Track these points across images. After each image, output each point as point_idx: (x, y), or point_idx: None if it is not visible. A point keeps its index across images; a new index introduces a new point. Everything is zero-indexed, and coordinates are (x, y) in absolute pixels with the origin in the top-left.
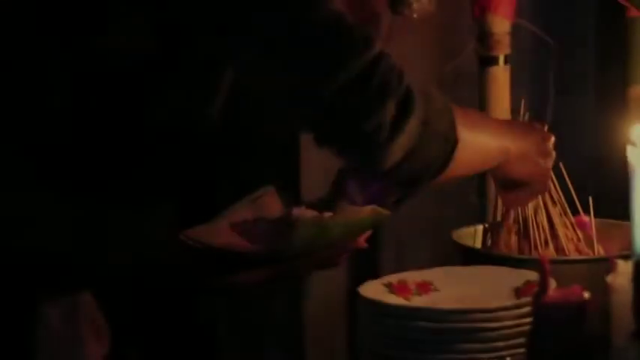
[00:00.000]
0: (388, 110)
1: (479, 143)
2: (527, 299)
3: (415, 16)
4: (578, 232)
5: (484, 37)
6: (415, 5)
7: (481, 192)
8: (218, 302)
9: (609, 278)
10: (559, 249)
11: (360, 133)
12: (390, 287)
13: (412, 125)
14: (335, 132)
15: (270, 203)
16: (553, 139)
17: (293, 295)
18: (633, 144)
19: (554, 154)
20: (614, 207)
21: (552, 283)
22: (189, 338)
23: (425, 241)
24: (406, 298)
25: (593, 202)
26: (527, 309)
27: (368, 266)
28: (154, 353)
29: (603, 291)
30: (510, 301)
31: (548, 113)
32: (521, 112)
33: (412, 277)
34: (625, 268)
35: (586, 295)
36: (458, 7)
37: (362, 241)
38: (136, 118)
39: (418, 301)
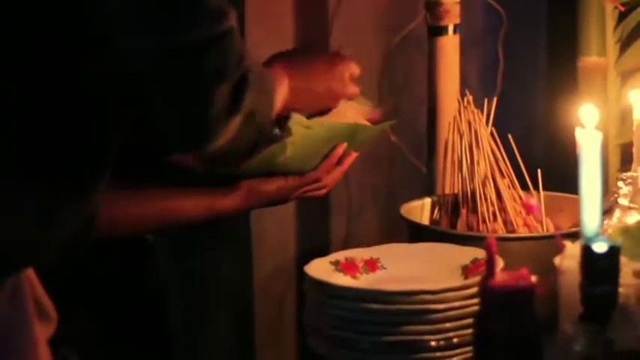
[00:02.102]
0: (220, 96)
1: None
2: (474, 279)
3: None
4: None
5: (433, 6)
6: None
7: (430, 161)
8: (166, 270)
9: (557, 260)
10: (507, 222)
11: (187, 111)
12: (337, 265)
13: (238, 120)
14: (161, 100)
15: None
16: (354, 69)
17: (242, 263)
18: (582, 125)
19: (350, 84)
20: (564, 179)
21: (499, 262)
22: (138, 307)
23: (374, 210)
24: (354, 277)
25: (542, 175)
26: (474, 290)
27: (317, 233)
28: (104, 325)
29: (551, 272)
30: (457, 281)
31: (497, 82)
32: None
33: (360, 254)
34: (573, 249)
35: (533, 278)
36: None
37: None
38: (71, 90)
39: (365, 279)
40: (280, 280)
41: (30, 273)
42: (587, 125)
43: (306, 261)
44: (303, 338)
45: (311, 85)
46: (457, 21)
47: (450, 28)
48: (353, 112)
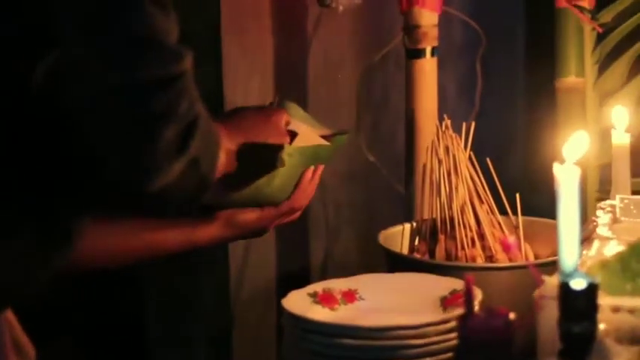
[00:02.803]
0: (167, 137)
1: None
2: (453, 314)
3: (341, 8)
4: (506, 230)
5: (411, 29)
6: None
7: (409, 183)
8: (146, 290)
9: (536, 294)
10: (486, 248)
11: (131, 149)
12: (315, 297)
13: (181, 165)
14: (105, 138)
15: None
16: (287, 117)
17: (220, 287)
18: (561, 161)
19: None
20: (543, 205)
21: (478, 295)
22: (118, 331)
23: (353, 230)
24: (332, 309)
25: (520, 200)
26: (453, 324)
27: (296, 255)
28: (82, 347)
29: (530, 307)
30: (436, 313)
31: (476, 101)
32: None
33: (338, 285)
34: (551, 284)
35: (512, 316)
36: (386, 1)
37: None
38: None
39: (344, 311)
40: (259, 302)
41: (8, 311)
42: (567, 161)
43: (286, 283)
44: None
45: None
46: (435, 44)
47: (428, 51)
48: (309, 134)
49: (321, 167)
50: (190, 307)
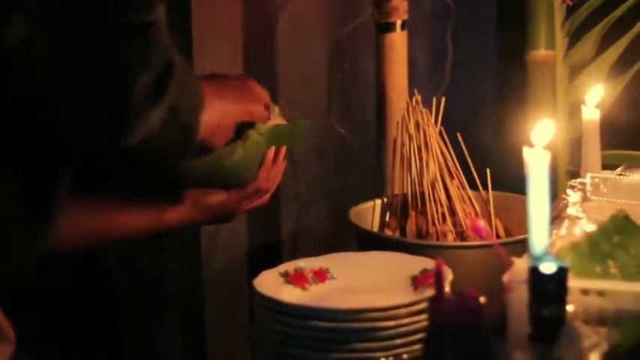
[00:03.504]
0: (142, 85)
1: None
2: (423, 295)
3: None
4: (476, 205)
5: (381, 3)
6: None
7: (379, 158)
8: (116, 266)
9: (506, 277)
10: (457, 224)
11: (105, 99)
12: (286, 277)
13: (159, 113)
14: (78, 88)
15: None
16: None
17: (191, 260)
18: (530, 145)
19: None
20: (514, 179)
21: (449, 275)
22: (88, 305)
23: (325, 203)
24: (303, 288)
25: (491, 175)
26: (423, 305)
27: (268, 227)
28: (54, 324)
29: (500, 285)
30: (407, 293)
31: (446, 73)
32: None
33: (309, 264)
34: (521, 265)
35: (482, 300)
36: None
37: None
38: None
39: (315, 290)
40: (231, 278)
41: None
42: (537, 145)
43: (258, 258)
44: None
45: (230, 105)
46: (405, 17)
47: (398, 25)
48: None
49: (284, 149)
50: (162, 283)
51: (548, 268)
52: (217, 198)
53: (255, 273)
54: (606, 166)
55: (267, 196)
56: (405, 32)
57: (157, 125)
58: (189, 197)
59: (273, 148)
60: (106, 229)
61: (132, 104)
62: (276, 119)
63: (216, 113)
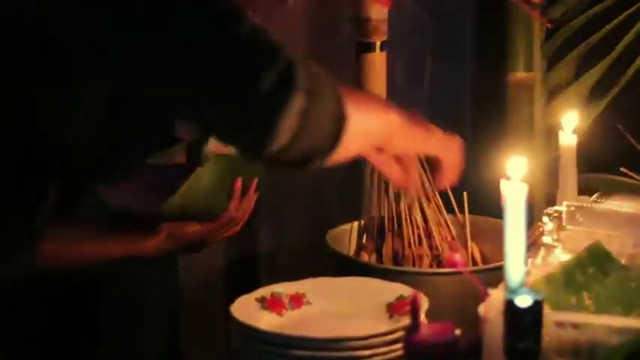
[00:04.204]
0: (267, 80)
1: (367, 119)
2: (400, 324)
3: (291, 2)
4: (452, 229)
5: (361, 23)
6: None
7: (357, 179)
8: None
9: (481, 309)
10: (433, 247)
11: (242, 107)
12: (263, 302)
13: (298, 101)
14: (216, 114)
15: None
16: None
17: (169, 273)
18: (507, 177)
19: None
20: (491, 204)
21: (425, 303)
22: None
23: (303, 217)
24: (279, 314)
25: (468, 198)
26: (399, 334)
27: (245, 243)
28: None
29: (475, 322)
30: (383, 320)
31: (424, 95)
32: None
33: (286, 289)
34: (497, 296)
35: (457, 332)
36: None
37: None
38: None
39: (291, 316)
40: (209, 290)
41: None
42: (514, 177)
43: (235, 274)
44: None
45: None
46: (384, 38)
47: (378, 45)
48: None
49: (254, 180)
50: (139, 289)
51: (523, 301)
52: (191, 229)
53: (232, 291)
54: (583, 190)
55: (237, 227)
56: (384, 53)
57: (300, 117)
58: (165, 228)
59: (240, 180)
60: (88, 255)
61: (266, 99)
62: None
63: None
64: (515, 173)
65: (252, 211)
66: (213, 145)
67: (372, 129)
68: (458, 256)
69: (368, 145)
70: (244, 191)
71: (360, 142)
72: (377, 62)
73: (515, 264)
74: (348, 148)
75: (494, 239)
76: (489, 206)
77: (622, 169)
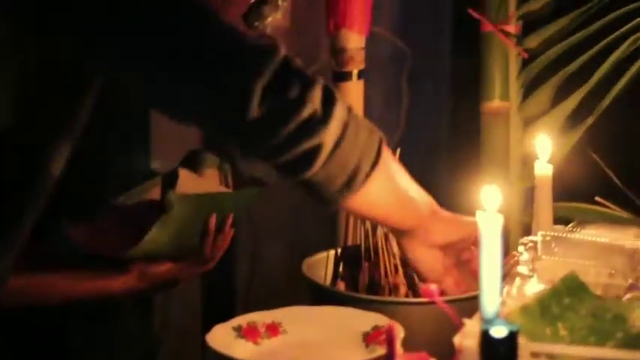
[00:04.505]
0: (316, 95)
1: (404, 176)
2: (375, 354)
3: (269, 30)
4: None
5: (338, 52)
6: (269, 19)
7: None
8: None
9: (456, 339)
10: (409, 276)
11: (294, 124)
12: (239, 331)
13: (340, 111)
14: (266, 138)
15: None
16: None
17: (144, 306)
18: (483, 208)
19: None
20: None
21: (400, 333)
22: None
23: (280, 247)
24: (255, 343)
25: None
26: None
27: (222, 272)
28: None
29: (450, 352)
30: (358, 349)
31: (401, 122)
32: None
33: (262, 318)
34: (472, 327)
35: None
36: (313, 22)
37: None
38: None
39: (267, 345)
40: (185, 320)
41: None
42: (489, 208)
43: (211, 300)
44: None
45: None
46: (361, 67)
47: (355, 74)
48: (209, 182)
49: (229, 217)
50: (114, 326)
51: (499, 332)
52: (162, 268)
53: (208, 320)
54: (558, 219)
55: (211, 264)
56: (361, 82)
57: (343, 125)
58: (136, 268)
59: (213, 219)
60: (59, 295)
61: (317, 112)
62: (218, 186)
63: None
64: (489, 204)
65: (227, 247)
66: (183, 186)
67: (405, 188)
68: (433, 287)
69: (400, 210)
70: (219, 228)
71: (393, 194)
72: (354, 91)
73: (491, 294)
74: (377, 197)
75: (471, 266)
76: None
77: (597, 198)
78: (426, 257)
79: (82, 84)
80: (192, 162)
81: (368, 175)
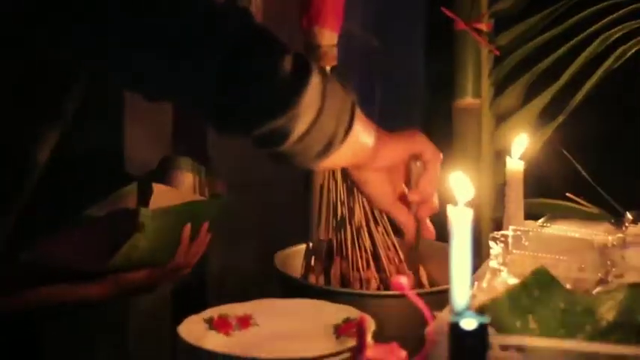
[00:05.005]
0: (287, 64)
1: (366, 125)
2: (346, 345)
3: None
4: (400, 252)
5: (311, 49)
6: None
7: (306, 201)
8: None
9: (427, 331)
10: (381, 270)
11: (268, 94)
12: (210, 323)
13: (315, 79)
14: (239, 106)
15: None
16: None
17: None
18: (454, 203)
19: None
20: (438, 226)
21: (371, 325)
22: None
23: (251, 240)
24: (227, 334)
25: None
26: (346, 355)
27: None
28: None
29: (421, 345)
30: (330, 341)
31: (373, 119)
32: None
33: (233, 310)
34: (443, 319)
35: (403, 354)
36: (286, 18)
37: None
38: None
39: (238, 336)
40: (156, 314)
41: None
42: (459, 202)
43: (183, 294)
44: None
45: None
46: (334, 63)
47: (328, 70)
48: (182, 192)
49: (205, 224)
50: (87, 321)
51: (468, 324)
52: (138, 276)
53: (180, 315)
54: (529, 215)
55: (187, 270)
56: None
57: (320, 93)
58: (111, 276)
59: (188, 226)
60: (33, 299)
61: (286, 79)
62: (192, 195)
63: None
64: (461, 196)
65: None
66: (157, 201)
67: (367, 134)
68: (403, 279)
69: (363, 153)
70: (194, 235)
71: (359, 144)
72: None
73: (461, 287)
74: (347, 152)
75: (443, 263)
76: (437, 230)
77: (568, 194)
78: (375, 181)
79: (68, 71)
80: (167, 167)
81: (342, 142)
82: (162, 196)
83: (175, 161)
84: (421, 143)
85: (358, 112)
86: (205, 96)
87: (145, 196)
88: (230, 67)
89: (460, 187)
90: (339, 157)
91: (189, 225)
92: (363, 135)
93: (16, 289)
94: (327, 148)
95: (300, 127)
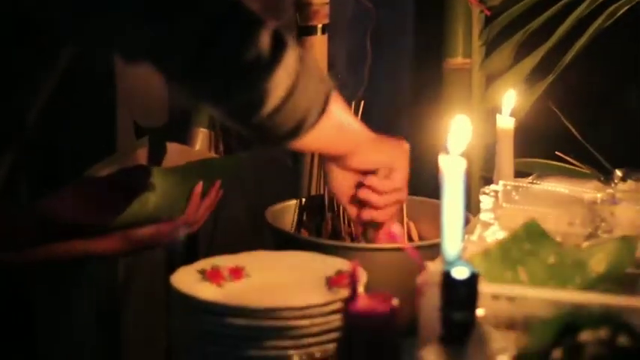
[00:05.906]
0: (263, 38)
1: (346, 116)
2: (337, 296)
3: None
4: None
5: (302, 7)
6: None
7: (296, 156)
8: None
9: (418, 280)
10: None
11: (240, 66)
12: (203, 274)
13: (290, 57)
14: (212, 75)
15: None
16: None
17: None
18: (446, 152)
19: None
20: (429, 183)
21: (363, 276)
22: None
23: (242, 201)
24: (219, 285)
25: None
26: (337, 305)
27: None
28: None
29: (412, 293)
30: (321, 293)
31: (364, 78)
32: None
33: (225, 262)
34: (434, 269)
35: (394, 302)
36: None
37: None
38: None
39: (230, 287)
40: (148, 270)
41: None
42: (452, 152)
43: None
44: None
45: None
46: (326, 21)
47: (319, 29)
48: (198, 150)
49: (217, 183)
50: (76, 275)
51: (460, 273)
52: (146, 232)
53: (172, 270)
54: (519, 173)
55: (194, 227)
56: (325, 36)
57: (293, 73)
58: (120, 231)
59: (200, 185)
60: (39, 254)
61: (263, 56)
62: (207, 153)
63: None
64: (453, 147)
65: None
66: (170, 160)
67: (346, 125)
68: (396, 228)
69: (339, 143)
70: (205, 192)
71: (335, 131)
72: (318, 45)
73: (452, 237)
74: (322, 133)
75: (432, 220)
76: (427, 187)
77: (557, 152)
78: (337, 177)
79: (56, 37)
80: (181, 121)
81: (313, 125)
82: (175, 154)
83: (190, 116)
84: (399, 159)
85: (337, 101)
86: (179, 60)
87: (157, 155)
88: (206, 34)
89: (454, 136)
90: (312, 140)
91: (201, 183)
92: (340, 124)
93: (27, 243)
94: (298, 127)
95: (270, 102)
